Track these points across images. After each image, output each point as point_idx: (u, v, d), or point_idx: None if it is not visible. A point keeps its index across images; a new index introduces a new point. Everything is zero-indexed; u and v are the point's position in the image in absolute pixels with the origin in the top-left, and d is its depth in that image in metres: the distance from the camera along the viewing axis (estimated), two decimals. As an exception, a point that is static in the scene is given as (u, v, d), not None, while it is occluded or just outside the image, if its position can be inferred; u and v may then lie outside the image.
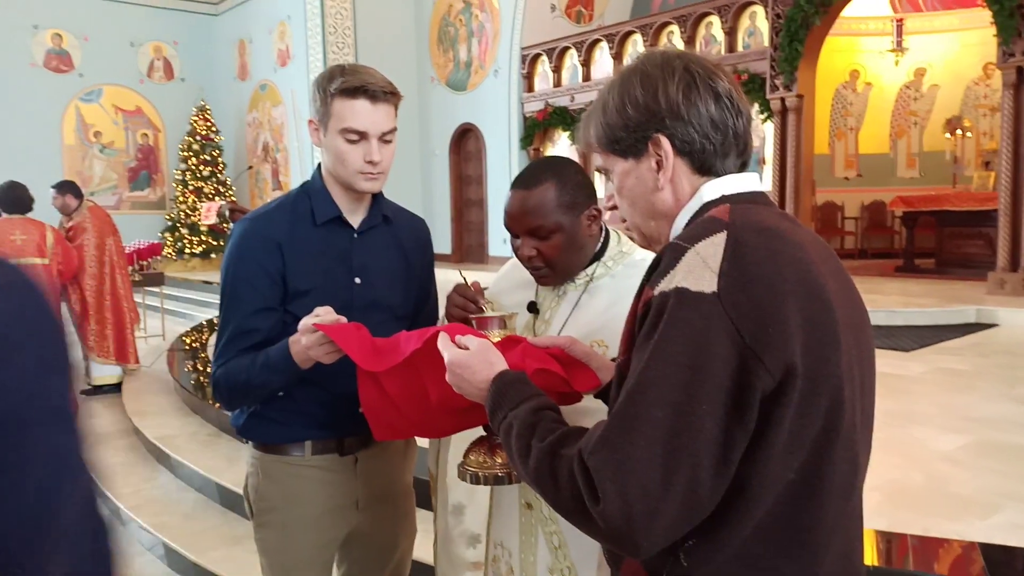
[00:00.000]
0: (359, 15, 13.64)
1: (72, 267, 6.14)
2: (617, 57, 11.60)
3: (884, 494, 3.17)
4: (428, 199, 14.47)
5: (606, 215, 1.65)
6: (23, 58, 14.52)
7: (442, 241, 13.97)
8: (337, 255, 1.78)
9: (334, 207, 1.78)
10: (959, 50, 12.82)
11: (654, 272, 1.00)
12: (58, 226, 6.39)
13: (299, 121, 14.02)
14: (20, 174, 7.06)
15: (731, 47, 10.21)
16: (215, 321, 8.10)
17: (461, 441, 1.55)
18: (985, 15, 8.33)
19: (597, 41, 11.97)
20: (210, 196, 15.05)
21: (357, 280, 1.79)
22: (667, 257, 0.99)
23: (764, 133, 9.76)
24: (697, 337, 0.91)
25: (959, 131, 12.38)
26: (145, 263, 9.47)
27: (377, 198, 1.85)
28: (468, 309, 1.60)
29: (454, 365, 1.24)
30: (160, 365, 6.98)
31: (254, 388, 1.70)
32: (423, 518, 2.22)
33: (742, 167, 1.12)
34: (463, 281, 1.67)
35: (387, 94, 1.69)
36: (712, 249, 0.95)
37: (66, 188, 6.49)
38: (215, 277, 11.61)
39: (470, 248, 14.21)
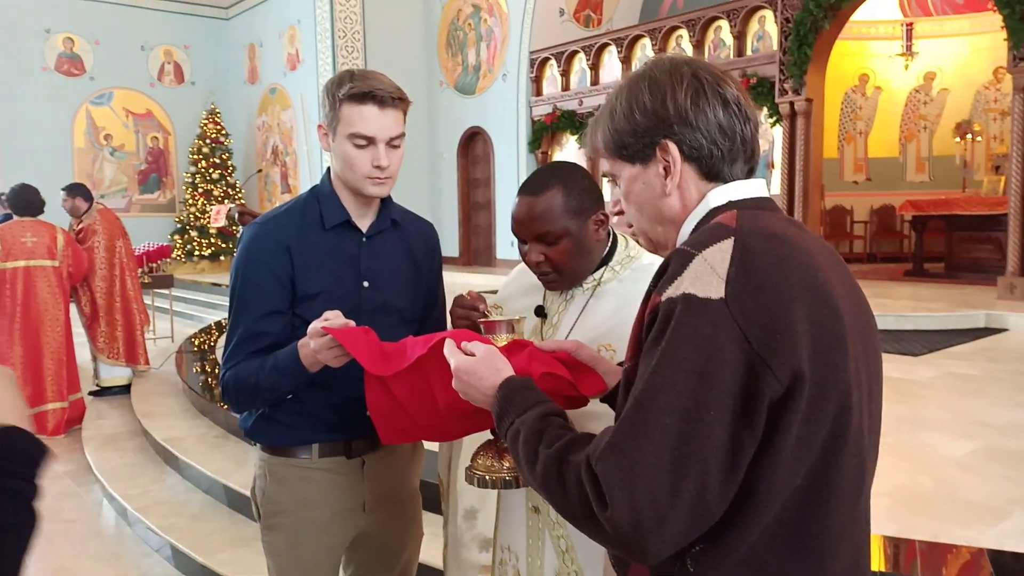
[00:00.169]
0: (368, 19, 13.68)
1: (82, 269, 6.17)
2: (626, 61, 11.60)
3: (893, 500, 3.16)
4: (436, 202, 14.49)
5: (613, 220, 1.66)
6: (35, 62, 14.62)
7: (450, 244, 13.99)
8: (346, 259, 1.79)
9: (343, 211, 1.79)
10: (969, 54, 12.77)
11: (661, 278, 1.00)
12: (68, 228, 6.43)
13: (308, 125, 14.07)
14: (31, 176, 7.11)
15: (740, 51, 10.20)
16: (224, 323, 8.11)
17: (472, 446, 1.56)
18: (996, 19, 8.31)
19: (606, 45, 11.97)
20: (219, 199, 15.11)
21: (365, 284, 1.80)
22: (674, 263, 0.99)
23: (772, 137, 9.74)
24: (705, 343, 0.91)
25: (969, 135, 12.33)
26: (154, 265, 9.51)
27: (386, 202, 1.86)
28: (471, 317, 1.61)
29: (460, 371, 1.24)
30: (169, 367, 7.01)
31: (263, 391, 1.70)
32: (429, 521, 2.22)
33: (749, 173, 1.13)
34: (463, 294, 1.68)
35: (395, 100, 1.70)
36: (719, 255, 0.95)
37: (76, 191, 6.53)
38: (224, 279, 11.65)
39: (477, 251, 14.22)
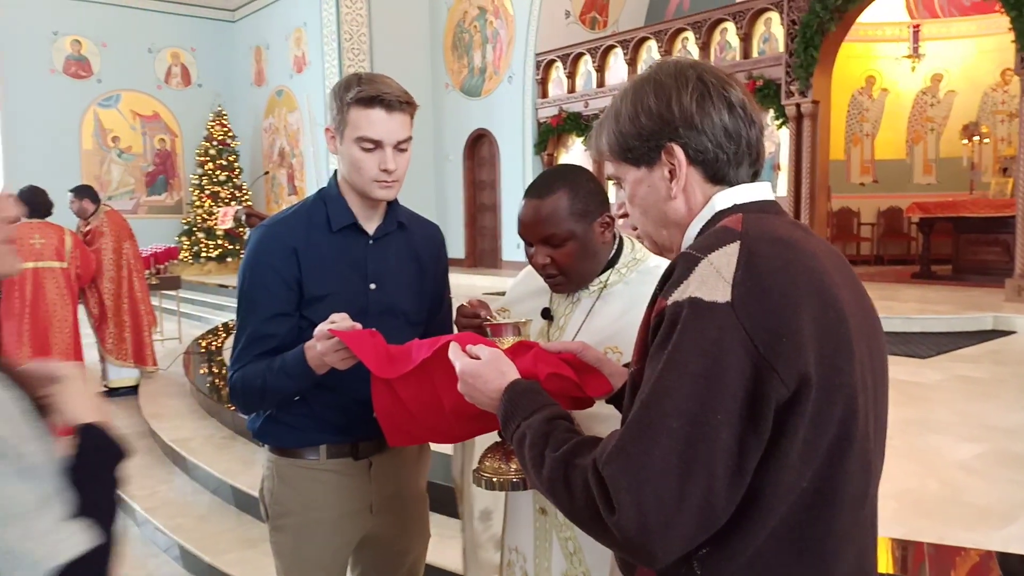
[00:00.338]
0: (374, 22, 13.71)
1: (90, 271, 6.20)
2: (631, 63, 11.59)
3: (900, 502, 3.15)
4: (442, 204, 14.51)
5: (618, 223, 1.66)
6: (43, 64, 14.69)
7: (455, 246, 14.00)
8: (352, 261, 1.80)
9: (349, 214, 1.80)
10: (976, 56, 12.73)
11: (667, 282, 1.00)
12: (75, 230, 6.46)
13: (315, 127, 14.10)
14: (39, 178, 7.15)
15: (746, 53, 10.19)
16: (231, 324, 8.11)
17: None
18: (1003, 21, 8.27)
19: (611, 47, 11.97)
20: (226, 201, 15.16)
21: (372, 286, 1.81)
22: (680, 267, 0.99)
23: (779, 139, 9.73)
24: (711, 347, 0.91)
25: (976, 137, 12.29)
26: (162, 267, 9.56)
27: (392, 205, 1.87)
28: (475, 324, 1.62)
29: (465, 375, 1.24)
30: (176, 368, 7.03)
31: (270, 392, 1.71)
32: (436, 523, 2.23)
33: (754, 176, 1.13)
34: (464, 303, 1.69)
35: (403, 103, 1.71)
36: (725, 259, 0.95)
37: (83, 192, 6.57)
38: (231, 280, 11.69)
39: (483, 253, 14.23)
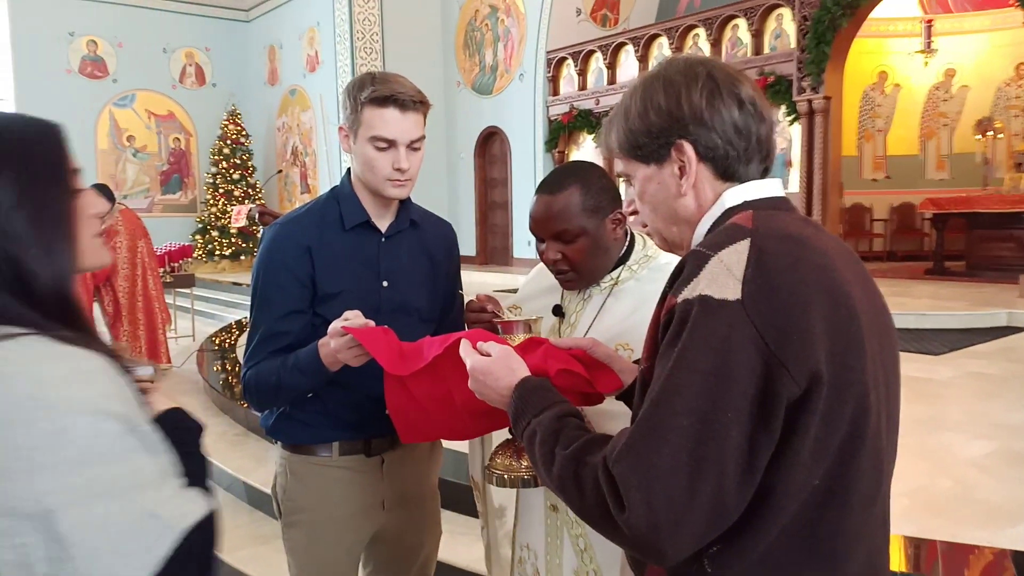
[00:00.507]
0: (387, 21, 13.73)
1: (105, 269, 6.25)
2: (642, 60, 11.56)
3: (912, 500, 3.14)
4: (453, 202, 14.52)
5: (629, 220, 1.67)
6: (60, 64, 14.79)
7: (467, 244, 14.01)
8: (365, 259, 1.81)
9: (362, 212, 1.81)
10: (990, 51, 12.63)
11: (677, 279, 1.00)
12: (91, 229, 6.49)
13: (327, 126, 14.14)
14: (55, 178, 7.18)
15: (757, 49, 10.14)
16: (244, 322, 8.10)
17: None
18: (1017, 16, 8.22)
19: (622, 44, 11.94)
20: (240, 199, 15.22)
21: (384, 284, 1.82)
22: (690, 264, 0.99)
23: (791, 135, 9.69)
24: (721, 345, 0.91)
25: (990, 132, 12.20)
26: (176, 265, 9.62)
27: (405, 203, 1.88)
28: (482, 319, 1.63)
29: (476, 372, 1.25)
30: (190, 365, 7.07)
31: (284, 389, 1.72)
32: (448, 520, 2.24)
33: (765, 173, 1.12)
34: (472, 299, 1.69)
35: (416, 103, 1.71)
36: (735, 257, 0.95)
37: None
38: (244, 278, 11.74)
39: (494, 251, 14.24)
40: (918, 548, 2.74)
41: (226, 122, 15.84)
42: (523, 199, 12.90)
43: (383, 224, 1.84)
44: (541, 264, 1.77)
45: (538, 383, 1.19)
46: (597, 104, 12.06)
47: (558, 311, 1.73)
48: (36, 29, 14.33)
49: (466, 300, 1.82)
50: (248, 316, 1.86)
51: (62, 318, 1.00)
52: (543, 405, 1.13)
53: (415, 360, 1.47)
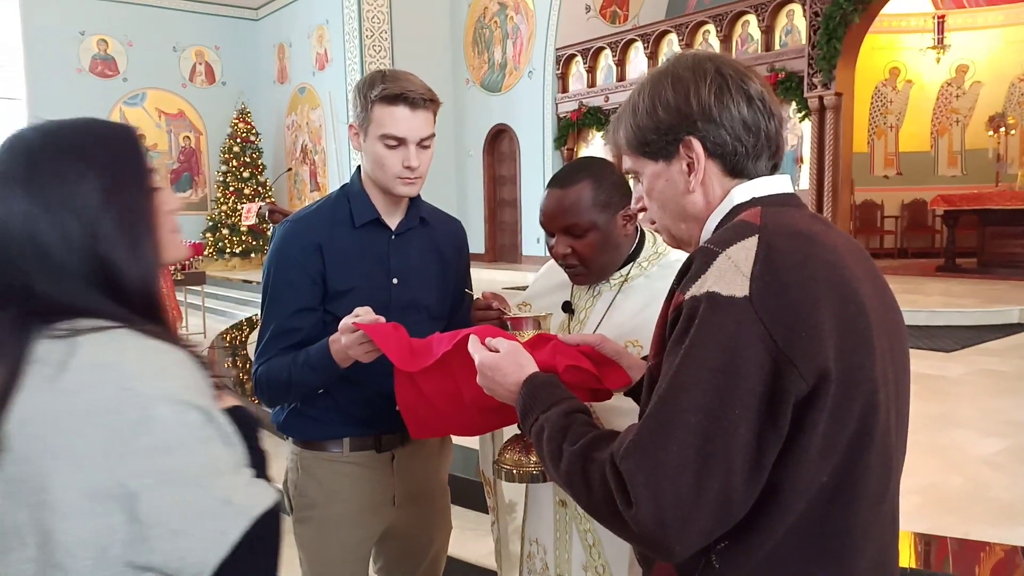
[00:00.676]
0: (396, 19, 13.75)
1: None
2: (652, 57, 11.54)
3: (924, 498, 3.13)
4: (462, 199, 14.54)
5: (638, 216, 1.67)
6: (71, 64, 14.88)
7: (476, 241, 14.02)
8: (375, 256, 1.82)
9: (372, 210, 1.81)
10: (1003, 46, 12.54)
11: (685, 276, 1.00)
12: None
13: (337, 123, 14.18)
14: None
15: (768, 45, 10.10)
16: (255, 319, 8.13)
17: None
18: (1030, 10, 8.16)
19: (632, 41, 11.92)
20: (250, 197, 15.29)
21: (395, 281, 1.82)
22: (698, 261, 0.98)
23: (801, 132, 9.65)
24: (729, 342, 0.90)
25: (1003, 128, 12.11)
26: (187, 263, 9.65)
27: (414, 200, 1.88)
28: (488, 316, 1.63)
29: (484, 367, 1.25)
30: (201, 363, 7.10)
31: (295, 386, 1.73)
32: (458, 515, 2.24)
33: (774, 169, 1.11)
34: (480, 296, 1.70)
35: (426, 101, 1.72)
36: (743, 253, 0.95)
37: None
38: (255, 276, 11.79)
39: (503, 248, 14.25)
40: (928, 544, 2.73)
41: (236, 120, 15.91)
42: (532, 196, 12.91)
43: (393, 222, 1.85)
44: (551, 261, 1.77)
45: (546, 379, 1.19)
46: (606, 101, 12.04)
47: (568, 308, 1.73)
48: (47, 28, 14.42)
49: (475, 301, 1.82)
50: (259, 313, 1.87)
51: (147, 313, 1.05)
52: (551, 401, 1.13)
53: (425, 356, 1.47)
